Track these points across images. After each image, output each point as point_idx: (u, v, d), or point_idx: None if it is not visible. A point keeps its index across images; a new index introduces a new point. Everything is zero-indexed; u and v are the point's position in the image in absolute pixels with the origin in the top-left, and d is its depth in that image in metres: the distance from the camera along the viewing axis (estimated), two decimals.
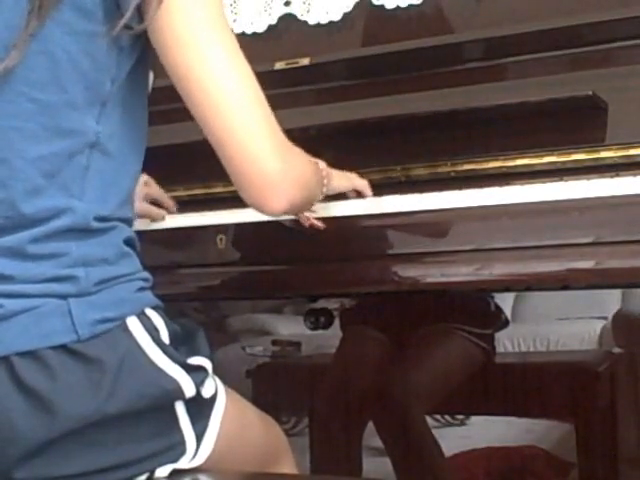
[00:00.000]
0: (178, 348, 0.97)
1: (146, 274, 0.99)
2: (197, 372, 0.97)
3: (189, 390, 0.95)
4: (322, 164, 1.15)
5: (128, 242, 0.98)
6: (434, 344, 1.92)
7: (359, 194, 1.26)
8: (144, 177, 1.32)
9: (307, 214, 1.19)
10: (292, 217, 1.20)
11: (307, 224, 1.19)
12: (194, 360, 0.98)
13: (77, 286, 0.91)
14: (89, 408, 0.89)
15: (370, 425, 1.92)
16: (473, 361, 1.91)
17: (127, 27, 0.92)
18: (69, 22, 0.91)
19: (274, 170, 0.96)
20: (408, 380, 1.86)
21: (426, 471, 1.82)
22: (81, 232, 0.93)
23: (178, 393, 0.94)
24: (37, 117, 0.92)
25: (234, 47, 0.96)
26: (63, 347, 0.89)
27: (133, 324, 0.93)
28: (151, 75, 1.03)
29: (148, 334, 0.94)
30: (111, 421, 0.91)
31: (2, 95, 0.92)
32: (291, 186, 0.98)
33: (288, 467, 1.14)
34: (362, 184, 1.26)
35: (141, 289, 0.97)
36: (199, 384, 0.97)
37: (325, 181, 1.14)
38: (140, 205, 1.31)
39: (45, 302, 0.90)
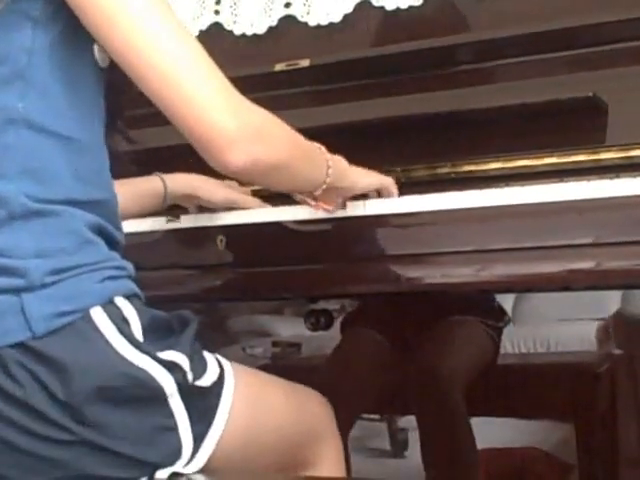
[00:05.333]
0: (154, 338, 0.94)
1: (120, 262, 0.96)
2: (173, 365, 0.93)
3: (165, 381, 0.92)
4: (340, 158, 1.12)
5: (94, 229, 0.95)
6: (434, 345, 1.92)
7: (379, 193, 1.24)
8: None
9: (320, 203, 1.16)
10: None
11: (315, 209, 1.17)
12: (169, 354, 0.94)
13: (26, 279, 0.89)
14: (55, 406, 0.88)
15: (370, 425, 1.92)
16: (474, 362, 1.90)
17: None
18: None
19: (228, 123, 0.93)
20: (408, 381, 1.86)
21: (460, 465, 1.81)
22: (26, 219, 0.90)
23: (151, 383, 0.91)
24: None
25: (165, 9, 0.93)
26: (21, 345, 0.88)
27: (97, 315, 0.91)
28: (99, 53, 0.98)
29: (114, 325, 0.91)
30: (85, 418, 0.89)
31: None
32: (250, 138, 0.95)
33: (331, 450, 1.10)
34: (389, 182, 1.23)
35: (110, 278, 0.94)
36: (181, 377, 0.93)
37: (330, 163, 1.10)
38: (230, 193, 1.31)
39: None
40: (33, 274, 0.89)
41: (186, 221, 1.33)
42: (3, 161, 0.91)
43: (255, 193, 1.36)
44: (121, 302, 0.93)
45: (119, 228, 1.00)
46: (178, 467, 0.95)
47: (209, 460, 0.97)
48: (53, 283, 0.90)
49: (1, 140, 0.91)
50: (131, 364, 0.91)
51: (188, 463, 0.96)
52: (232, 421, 0.98)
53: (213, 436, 0.97)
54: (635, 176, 1.08)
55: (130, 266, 0.98)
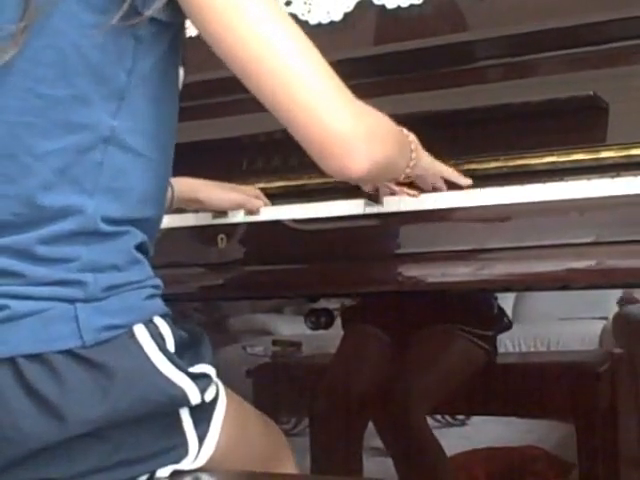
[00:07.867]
0: (183, 355, 0.96)
1: (157, 281, 0.98)
2: (202, 379, 0.97)
3: (195, 397, 0.95)
4: (410, 134, 1.10)
5: (140, 248, 0.96)
6: (435, 344, 1.92)
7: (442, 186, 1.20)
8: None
9: (397, 187, 1.14)
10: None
11: (400, 194, 1.15)
12: (199, 368, 0.97)
13: (85, 291, 0.90)
14: (95, 413, 0.89)
15: (370, 425, 1.92)
16: (474, 362, 1.91)
17: (139, 14, 0.90)
18: (76, 15, 0.90)
19: (347, 126, 0.91)
20: (409, 380, 1.86)
21: (428, 471, 1.82)
22: (90, 235, 0.92)
23: (184, 400, 0.94)
24: (46, 113, 0.91)
25: (281, 11, 0.94)
26: (69, 352, 0.89)
27: (140, 332, 0.93)
28: (182, 71, 1.01)
29: (154, 342, 0.93)
30: (115, 424, 0.91)
31: (10, 91, 0.91)
32: (368, 141, 0.94)
33: (289, 468, 1.14)
34: (455, 175, 1.20)
35: (150, 297, 0.96)
36: (203, 390, 0.96)
37: (413, 146, 1.08)
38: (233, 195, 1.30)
39: (52, 306, 0.90)
40: (91, 287, 0.91)
41: (187, 220, 1.33)
42: (91, 177, 0.92)
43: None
44: (158, 320, 0.95)
45: (153, 243, 1.01)
46: (184, 465, 0.97)
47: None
48: (105, 297, 0.91)
49: (93, 157, 0.92)
50: (170, 381, 0.93)
51: (194, 461, 0.98)
52: (224, 425, 1.00)
53: (213, 436, 0.99)
54: (635, 175, 1.09)
55: (161, 284, 0.99)
